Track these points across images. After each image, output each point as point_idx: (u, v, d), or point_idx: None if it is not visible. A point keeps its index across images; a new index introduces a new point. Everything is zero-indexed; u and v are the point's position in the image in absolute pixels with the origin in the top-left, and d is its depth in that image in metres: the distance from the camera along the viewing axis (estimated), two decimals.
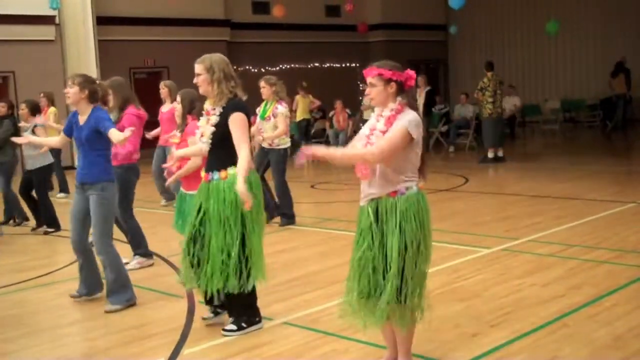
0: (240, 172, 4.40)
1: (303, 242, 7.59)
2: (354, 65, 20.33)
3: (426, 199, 3.84)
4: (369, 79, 3.74)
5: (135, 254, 6.78)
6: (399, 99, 3.73)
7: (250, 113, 4.75)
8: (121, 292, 5.42)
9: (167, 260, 6.84)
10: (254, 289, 4.71)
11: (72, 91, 5.34)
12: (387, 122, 3.68)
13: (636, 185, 10.41)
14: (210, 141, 4.62)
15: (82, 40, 16.60)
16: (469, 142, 16.69)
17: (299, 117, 16.52)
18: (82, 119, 5.40)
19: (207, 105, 4.69)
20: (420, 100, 16.26)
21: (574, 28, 21.64)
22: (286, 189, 8.41)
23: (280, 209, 8.46)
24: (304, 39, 21.07)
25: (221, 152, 4.58)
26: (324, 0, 21.95)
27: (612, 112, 19.58)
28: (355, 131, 3.86)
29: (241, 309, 4.72)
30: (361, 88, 17.21)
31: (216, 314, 4.99)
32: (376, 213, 3.73)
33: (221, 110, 4.58)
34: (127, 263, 6.21)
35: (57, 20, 16.53)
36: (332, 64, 21.58)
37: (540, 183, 10.87)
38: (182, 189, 5.76)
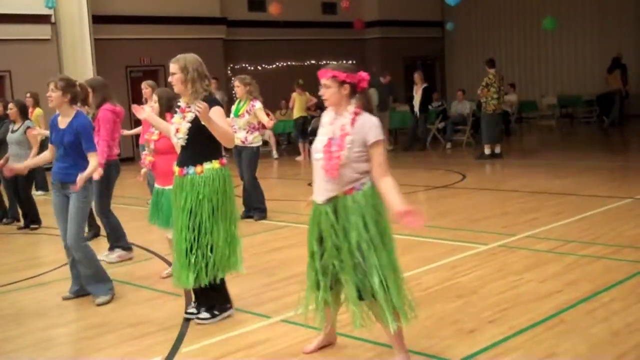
0: (217, 122, 4.52)
1: (300, 240, 7.54)
2: (350, 62, 20.27)
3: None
4: (323, 81, 3.85)
5: (115, 247, 6.94)
6: (352, 100, 3.84)
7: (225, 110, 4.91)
8: (101, 283, 5.53)
9: (164, 258, 6.83)
10: (223, 281, 4.90)
11: (54, 95, 5.43)
12: (351, 124, 3.79)
13: (633, 181, 10.44)
14: (186, 137, 4.71)
15: (78, 39, 16.55)
16: (465, 139, 16.69)
17: (296, 114, 16.50)
18: (63, 122, 5.47)
19: (182, 103, 4.80)
20: (417, 97, 16.30)
21: (571, 24, 21.64)
22: (257, 184, 8.72)
23: (253, 204, 8.69)
24: (300, 37, 21.03)
25: (196, 147, 4.69)
26: None
27: (608, 108, 19.59)
28: None
29: (212, 297, 4.88)
30: None
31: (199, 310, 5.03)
32: (335, 212, 3.82)
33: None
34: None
35: (53, 19, 16.47)
36: (328, 62, 21.52)
37: (538, 179, 10.88)
38: (156, 184, 5.93)
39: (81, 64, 16.12)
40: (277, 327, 4.76)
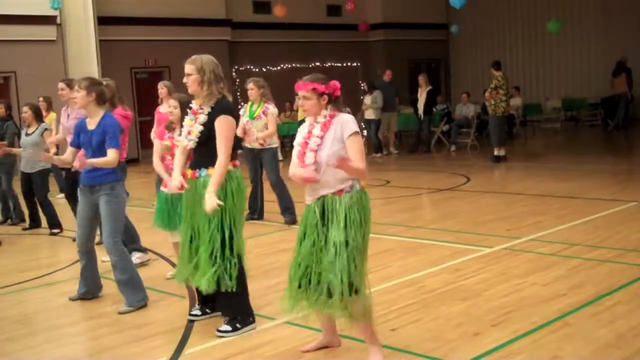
0: (213, 182, 4.50)
1: None
2: (355, 64, 20.35)
3: (368, 196, 4.03)
4: (302, 93, 3.98)
5: (132, 250, 6.86)
6: (329, 106, 4.00)
7: (237, 116, 4.79)
8: (133, 291, 5.40)
9: (169, 260, 6.84)
10: (246, 288, 4.76)
11: (79, 95, 5.37)
12: (323, 127, 3.95)
13: (637, 185, 10.42)
14: (197, 139, 4.67)
15: (83, 40, 16.60)
16: (470, 142, 16.69)
17: (301, 116, 16.52)
18: (92, 123, 5.39)
19: (194, 105, 4.74)
20: (422, 99, 16.30)
21: (575, 27, 21.62)
22: (284, 186, 8.61)
23: (283, 204, 8.59)
24: (305, 39, 21.06)
25: (209, 150, 4.62)
26: None
27: (613, 111, 19.57)
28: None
29: (234, 308, 4.72)
30: (362, 87, 17.18)
31: (204, 313, 5.02)
32: (322, 211, 3.94)
33: (209, 110, 4.64)
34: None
35: (58, 21, 16.52)
36: (333, 64, 21.58)
37: (542, 182, 10.86)
38: (162, 188, 5.89)
39: (86, 66, 16.15)
40: (281, 329, 4.76)
